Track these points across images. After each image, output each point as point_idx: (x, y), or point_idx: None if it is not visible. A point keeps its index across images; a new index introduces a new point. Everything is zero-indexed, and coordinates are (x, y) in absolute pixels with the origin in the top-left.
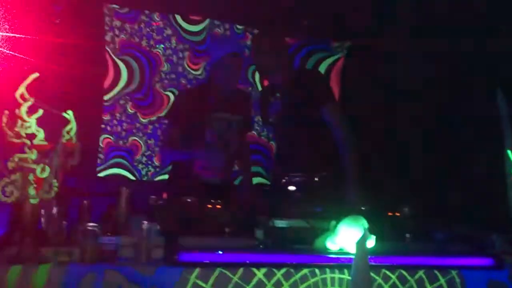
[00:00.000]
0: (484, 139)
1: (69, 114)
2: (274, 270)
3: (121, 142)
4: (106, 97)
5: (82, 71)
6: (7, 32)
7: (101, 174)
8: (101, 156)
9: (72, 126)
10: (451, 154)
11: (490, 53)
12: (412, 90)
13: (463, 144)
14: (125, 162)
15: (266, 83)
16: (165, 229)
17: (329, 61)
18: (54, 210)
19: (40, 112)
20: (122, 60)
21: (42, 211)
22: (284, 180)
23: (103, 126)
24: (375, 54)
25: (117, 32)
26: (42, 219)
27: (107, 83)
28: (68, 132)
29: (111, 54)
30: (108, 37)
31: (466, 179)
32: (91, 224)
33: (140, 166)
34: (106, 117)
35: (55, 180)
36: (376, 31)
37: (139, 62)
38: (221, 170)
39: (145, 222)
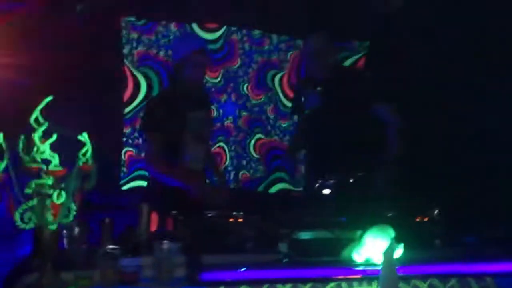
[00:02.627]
0: None
1: (84, 136)
2: (300, 285)
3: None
4: (126, 110)
5: (101, 86)
6: (22, 52)
7: (125, 187)
8: (124, 169)
9: (88, 148)
10: (482, 153)
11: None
12: (439, 87)
13: (495, 144)
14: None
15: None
16: (187, 246)
17: (351, 60)
18: (76, 231)
19: (55, 136)
20: (141, 72)
21: (64, 233)
22: (317, 184)
23: (124, 139)
24: (395, 52)
25: (134, 44)
26: (64, 241)
27: (126, 96)
28: (84, 155)
29: (130, 66)
30: (126, 50)
31: (498, 179)
32: (110, 246)
33: None
34: (127, 130)
35: (73, 204)
36: (396, 29)
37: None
38: (200, 171)
39: (166, 241)
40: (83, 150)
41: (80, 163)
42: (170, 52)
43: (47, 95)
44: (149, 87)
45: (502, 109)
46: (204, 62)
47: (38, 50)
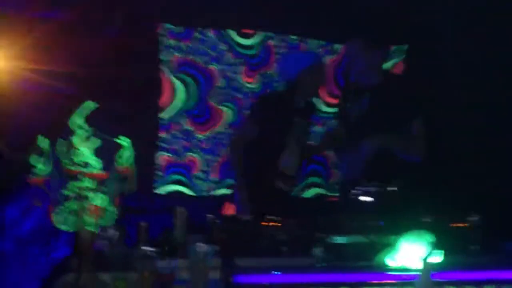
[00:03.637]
0: None
1: (125, 141)
2: None
3: (178, 159)
4: (162, 115)
5: (138, 91)
6: (63, 60)
7: (160, 191)
8: (159, 173)
9: (129, 152)
10: None
11: None
12: (479, 91)
13: None
14: (183, 178)
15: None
16: (222, 249)
17: (388, 65)
18: (114, 234)
19: (94, 140)
20: (178, 78)
21: (102, 234)
22: (355, 191)
23: (160, 144)
24: (434, 56)
25: (172, 50)
26: (103, 243)
27: (162, 101)
28: (125, 159)
29: (167, 72)
30: (163, 56)
31: None
32: (147, 248)
33: (198, 182)
34: (163, 135)
35: (113, 207)
36: (435, 32)
37: (195, 79)
38: (293, 177)
39: (201, 243)
40: (124, 155)
41: (121, 167)
42: (207, 58)
43: (84, 100)
44: (187, 93)
45: None
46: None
47: (77, 57)
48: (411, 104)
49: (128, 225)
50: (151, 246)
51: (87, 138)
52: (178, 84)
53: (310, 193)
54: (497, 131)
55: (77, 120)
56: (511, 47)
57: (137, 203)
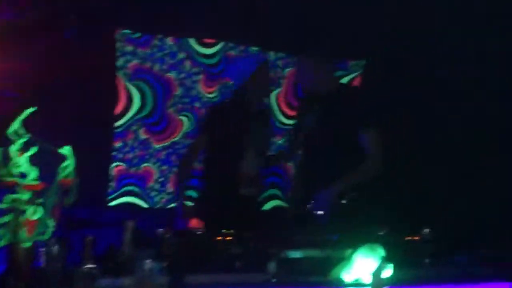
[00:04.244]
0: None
1: (67, 150)
2: None
3: (133, 169)
4: (117, 124)
5: (92, 98)
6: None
7: (112, 203)
8: (112, 184)
9: (70, 162)
10: (473, 172)
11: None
12: (431, 106)
13: (487, 162)
14: (136, 189)
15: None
16: (171, 265)
17: (346, 79)
18: (55, 249)
19: (33, 149)
20: (134, 85)
21: (42, 250)
22: (309, 204)
23: (114, 153)
24: (391, 72)
25: (129, 57)
26: (42, 259)
27: (118, 109)
28: (65, 169)
29: (123, 79)
30: (119, 63)
31: (489, 197)
32: (88, 265)
33: (154, 193)
34: (118, 144)
35: (51, 220)
36: (393, 48)
37: (152, 87)
38: (256, 183)
39: (148, 260)
40: (64, 164)
41: (61, 178)
42: (165, 66)
43: (32, 107)
44: (143, 101)
45: (495, 129)
46: (267, 77)
47: (27, 61)
48: (364, 117)
49: (77, 240)
50: (95, 263)
51: (26, 147)
52: (134, 91)
53: (269, 205)
54: (449, 145)
55: (16, 128)
56: (470, 63)
57: (89, 216)
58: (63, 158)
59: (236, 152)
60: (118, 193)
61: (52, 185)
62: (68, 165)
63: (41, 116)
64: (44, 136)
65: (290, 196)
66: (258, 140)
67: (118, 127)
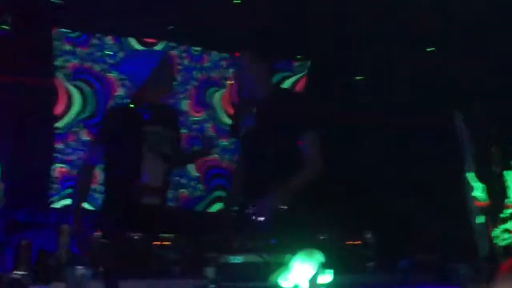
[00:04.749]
0: (446, 162)
1: None
2: None
3: (75, 171)
4: (58, 125)
5: (30, 98)
6: None
7: (56, 205)
8: (55, 186)
9: None
10: (415, 176)
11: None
12: (374, 111)
13: (428, 165)
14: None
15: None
16: (105, 271)
17: (291, 80)
18: None
19: None
20: (74, 85)
21: None
22: (249, 210)
23: (56, 155)
24: (336, 72)
25: (67, 57)
26: None
27: (58, 110)
28: None
29: (62, 79)
30: (58, 62)
31: (431, 202)
32: (18, 272)
33: (97, 195)
34: (59, 146)
35: None
36: (337, 49)
37: (92, 86)
38: (159, 189)
39: (80, 265)
40: None
41: None
42: (105, 66)
43: None
44: (84, 101)
45: (434, 133)
46: (170, 73)
47: None
48: (302, 120)
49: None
50: (28, 269)
51: None
52: (74, 91)
53: (215, 208)
54: (393, 148)
55: None
56: (416, 67)
57: (32, 218)
58: None
59: (134, 159)
60: (61, 195)
61: None
62: None
63: None
64: None
65: (226, 199)
66: (160, 142)
67: (58, 128)
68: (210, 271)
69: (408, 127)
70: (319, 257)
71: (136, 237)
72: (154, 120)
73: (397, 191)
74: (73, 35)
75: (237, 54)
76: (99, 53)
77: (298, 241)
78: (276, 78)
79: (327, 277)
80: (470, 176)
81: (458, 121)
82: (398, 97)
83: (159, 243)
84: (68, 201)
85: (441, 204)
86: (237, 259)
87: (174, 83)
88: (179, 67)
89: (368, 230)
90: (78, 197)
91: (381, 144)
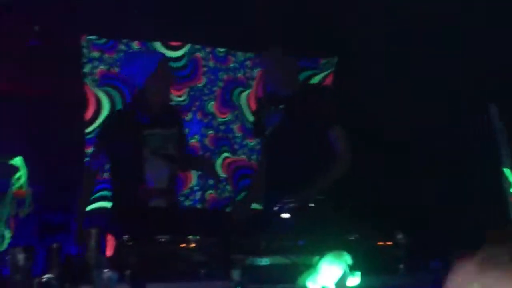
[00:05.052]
0: (481, 159)
1: (18, 161)
2: None
3: (105, 174)
4: (88, 130)
5: (61, 106)
6: None
7: (87, 209)
8: None
9: (22, 172)
10: (448, 176)
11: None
12: (405, 106)
13: (460, 166)
14: (109, 194)
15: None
16: (132, 274)
17: (318, 77)
18: (20, 258)
19: None
20: (103, 91)
21: (7, 259)
22: (276, 207)
23: (86, 159)
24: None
25: (96, 63)
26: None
27: (88, 115)
28: (18, 180)
29: (91, 85)
30: (86, 69)
31: (464, 201)
32: (47, 275)
33: None
34: (90, 150)
35: (7, 231)
36: (364, 45)
37: (120, 92)
38: (166, 191)
39: (106, 269)
40: (17, 175)
41: (14, 189)
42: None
43: None
44: (112, 106)
45: (470, 128)
46: (169, 75)
47: None
48: (332, 115)
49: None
50: (57, 272)
51: None
52: (103, 97)
53: None
54: (425, 147)
55: None
56: (445, 61)
57: (62, 222)
58: (15, 169)
59: (137, 164)
60: (93, 198)
61: (5, 196)
62: (21, 175)
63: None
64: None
65: (245, 197)
66: (162, 144)
67: (89, 133)
68: (236, 273)
69: (442, 122)
70: (347, 258)
71: (162, 240)
72: (153, 122)
73: (430, 189)
74: (100, 41)
75: (264, 51)
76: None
77: (326, 242)
78: (302, 76)
79: (355, 279)
80: (508, 172)
81: (494, 115)
82: (431, 91)
83: (184, 245)
84: (98, 204)
85: (477, 202)
86: (264, 261)
87: (171, 90)
88: (204, 69)
89: (399, 231)
90: (81, 205)
91: (414, 141)
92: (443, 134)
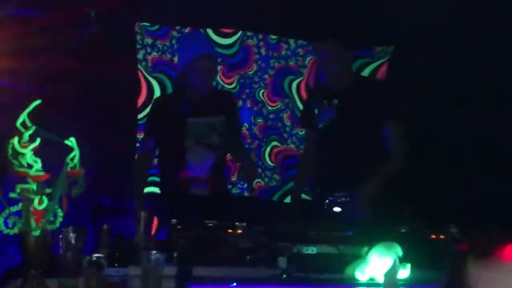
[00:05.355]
0: None
1: (72, 141)
2: None
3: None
4: (140, 116)
5: (114, 91)
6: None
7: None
8: None
9: (76, 153)
10: (502, 169)
11: None
12: (460, 94)
13: None
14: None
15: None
16: (180, 256)
17: (372, 66)
18: (72, 237)
19: (38, 141)
20: (155, 78)
21: (60, 238)
22: (327, 201)
23: (138, 144)
24: (419, 58)
25: (148, 49)
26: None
27: (140, 101)
28: (71, 160)
29: (144, 72)
30: (140, 55)
31: None
32: (96, 254)
33: None
34: (141, 136)
35: (59, 210)
36: (420, 35)
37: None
38: (209, 179)
39: (154, 251)
40: (71, 155)
41: (68, 169)
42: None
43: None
44: (163, 92)
45: None
46: (209, 68)
47: (49, 58)
48: (386, 110)
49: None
50: (106, 251)
51: (33, 139)
52: (155, 83)
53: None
54: (480, 139)
55: (24, 120)
56: (498, 51)
57: (115, 205)
58: (69, 149)
59: (179, 153)
60: None
61: (59, 175)
62: (74, 156)
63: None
64: (56, 128)
65: (293, 186)
66: (206, 133)
67: (141, 119)
68: (282, 261)
69: (500, 118)
70: (398, 250)
71: (210, 224)
72: (197, 110)
73: (484, 181)
74: (153, 28)
75: (317, 41)
76: (178, 45)
77: (377, 233)
78: (356, 64)
79: (404, 271)
80: None
81: None
82: (489, 85)
83: (231, 231)
84: (148, 189)
85: None
86: (311, 249)
87: (213, 78)
88: (256, 56)
89: (453, 224)
90: (137, 187)
91: (468, 134)
92: (500, 130)
